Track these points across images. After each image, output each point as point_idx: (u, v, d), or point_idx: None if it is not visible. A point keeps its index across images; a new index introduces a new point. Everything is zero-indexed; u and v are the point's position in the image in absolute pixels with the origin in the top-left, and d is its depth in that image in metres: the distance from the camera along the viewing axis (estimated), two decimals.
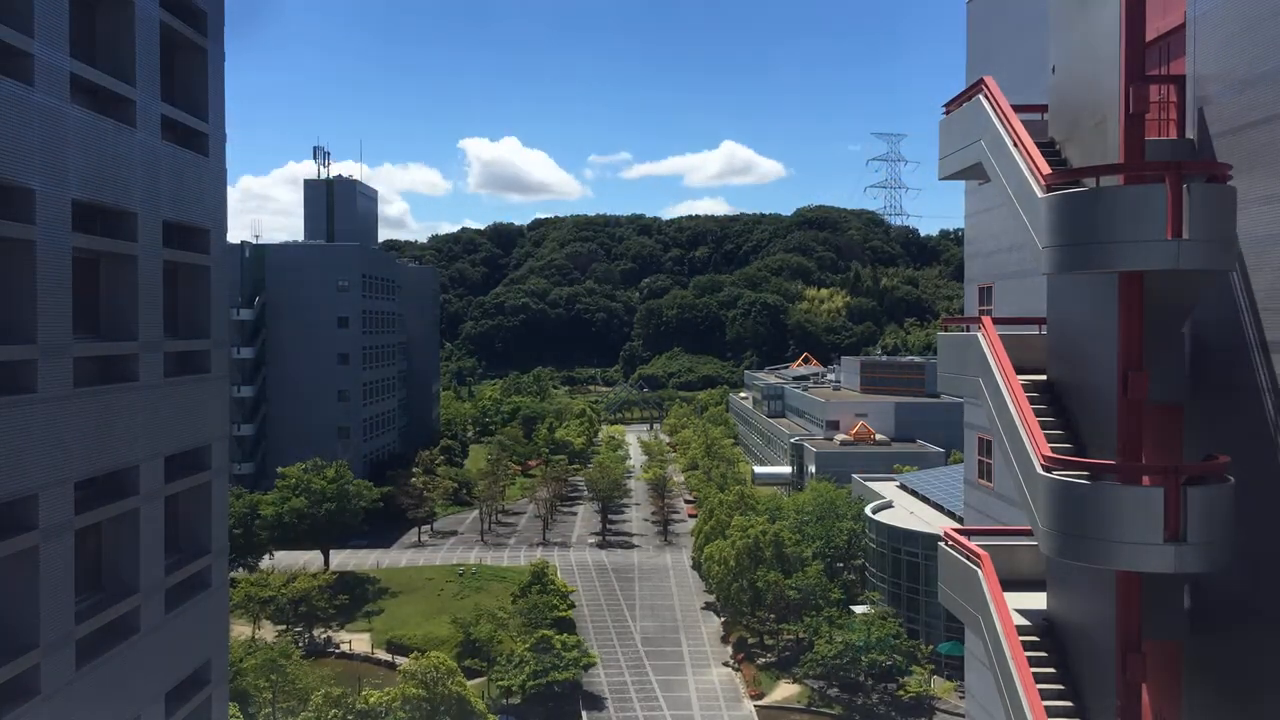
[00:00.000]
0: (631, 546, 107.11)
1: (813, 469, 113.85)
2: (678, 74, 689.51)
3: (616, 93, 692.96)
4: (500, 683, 64.47)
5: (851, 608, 75.38)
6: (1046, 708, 15.33)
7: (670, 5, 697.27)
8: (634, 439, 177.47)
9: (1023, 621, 17.50)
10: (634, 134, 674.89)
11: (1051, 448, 15.41)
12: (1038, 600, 18.14)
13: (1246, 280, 14.60)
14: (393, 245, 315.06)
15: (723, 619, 79.31)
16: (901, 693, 65.23)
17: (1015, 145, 16.72)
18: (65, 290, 14.28)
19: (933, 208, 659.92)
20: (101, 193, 15.32)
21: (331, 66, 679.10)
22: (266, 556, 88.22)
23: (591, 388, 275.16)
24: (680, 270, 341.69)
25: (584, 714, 64.08)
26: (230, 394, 67.24)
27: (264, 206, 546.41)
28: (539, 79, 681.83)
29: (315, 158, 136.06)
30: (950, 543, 19.81)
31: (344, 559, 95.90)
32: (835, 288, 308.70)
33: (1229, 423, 15.01)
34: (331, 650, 75.34)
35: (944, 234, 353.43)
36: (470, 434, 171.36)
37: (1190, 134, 15.95)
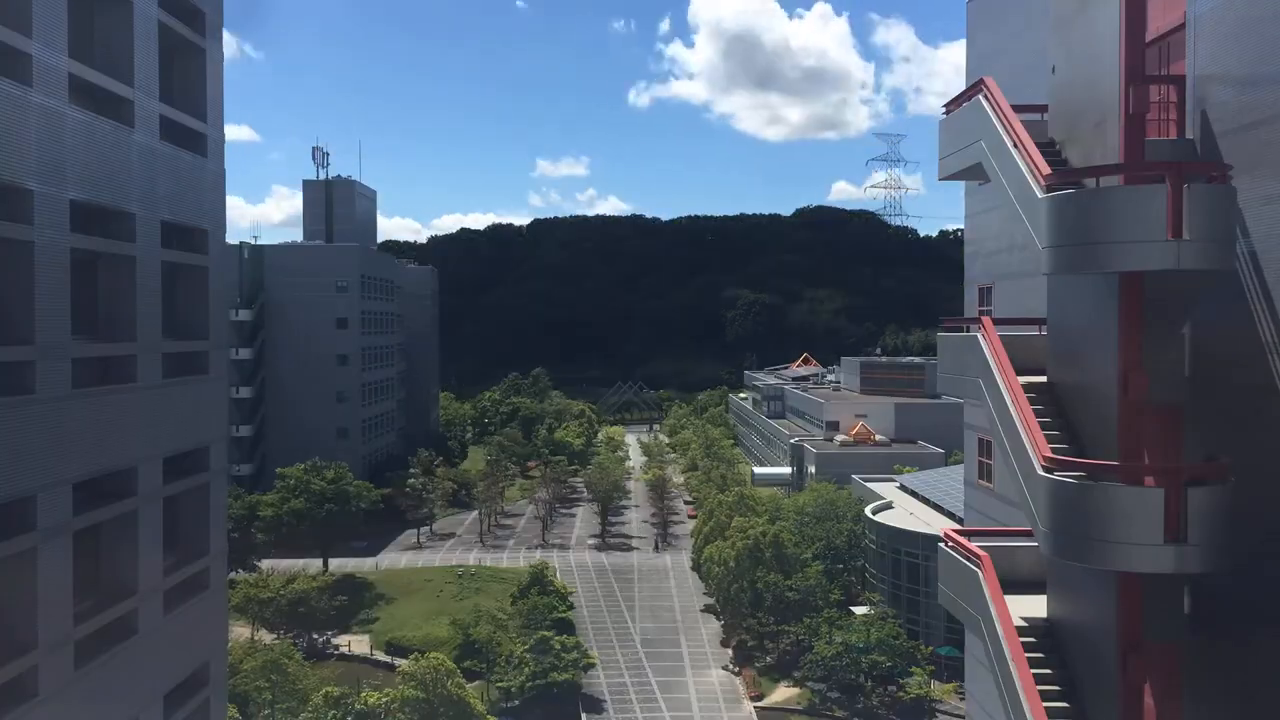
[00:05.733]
0: (631, 548, 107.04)
1: (812, 470, 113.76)
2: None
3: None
4: (499, 684, 64.43)
5: (851, 609, 75.35)
6: (1047, 709, 15.30)
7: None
8: (633, 440, 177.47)
9: (1023, 623, 17.46)
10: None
11: (1052, 449, 15.38)
12: (1038, 602, 18.10)
13: (1253, 280, 14.56)
14: (391, 246, 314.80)
15: (722, 621, 79.24)
16: (902, 694, 65.17)
17: (1015, 146, 16.71)
18: (63, 291, 14.24)
19: (933, 208, 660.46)
20: (100, 193, 15.28)
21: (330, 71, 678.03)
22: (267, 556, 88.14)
23: (591, 388, 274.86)
24: (680, 271, 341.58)
25: (583, 715, 64.03)
26: (229, 395, 67.20)
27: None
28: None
29: (314, 158, 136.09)
30: (950, 544, 19.78)
31: (343, 560, 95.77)
32: (835, 288, 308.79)
33: (1229, 423, 14.98)
34: (330, 652, 75.26)
35: (944, 234, 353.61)
36: (469, 435, 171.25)
37: (1190, 134, 15.93)
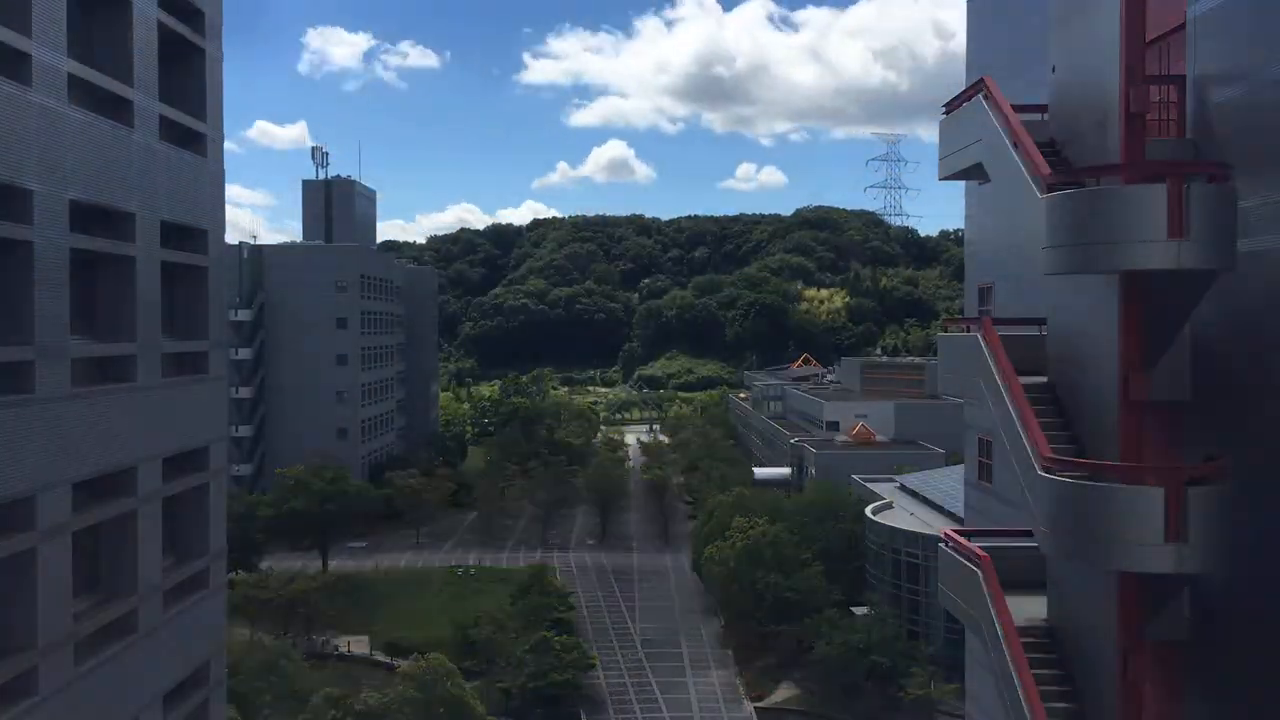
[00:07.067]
0: (631, 548, 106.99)
1: (812, 470, 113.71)
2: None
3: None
4: (499, 684, 64.39)
5: (851, 609, 75.31)
6: (1047, 709, 15.30)
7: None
8: (633, 440, 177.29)
9: (1023, 623, 17.47)
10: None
11: (1052, 449, 15.39)
12: (1038, 602, 18.11)
13: (1253, 280, 14.55)
14: (391, 246, 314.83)
15: (723, 621, 79.22)
16: (902, 694, 65.12)
17: (1015, 145, 16.72)
18: (63, 291, 14.25)
19: (933, 208, 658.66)
20: (99, 193, 15.29)
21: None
22: (265, 557, 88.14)
23: (591, 389, 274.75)
24: (680, 270, 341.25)
25: (583, 716, 64.03)
26: (229, 395, 67.19)
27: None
28: None
29: (313, 158, 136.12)
30: (951, 544, 19.80)
31: (342, 560, 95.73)
32: (835, 288, 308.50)
33: (1229, 423, 14.98)
34: (330, 652, 75.25)
35: (944, 234, 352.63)
36: (469, 435, 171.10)
37: (1191, 134, 15.93)
